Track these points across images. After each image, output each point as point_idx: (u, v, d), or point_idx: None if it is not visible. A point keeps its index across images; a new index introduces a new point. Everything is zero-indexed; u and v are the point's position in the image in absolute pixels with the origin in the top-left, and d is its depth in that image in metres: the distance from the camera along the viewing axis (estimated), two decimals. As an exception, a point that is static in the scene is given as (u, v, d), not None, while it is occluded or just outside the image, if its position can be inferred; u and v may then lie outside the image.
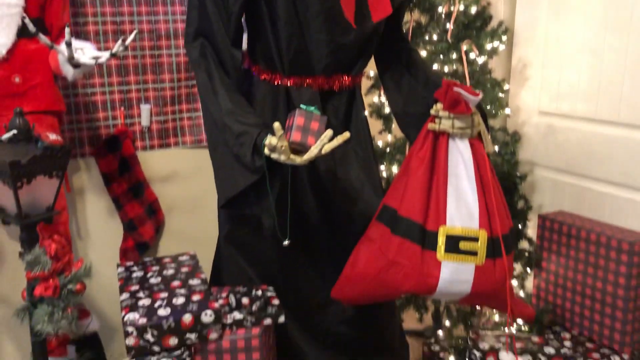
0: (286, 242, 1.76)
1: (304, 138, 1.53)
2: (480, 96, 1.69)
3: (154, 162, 2.33)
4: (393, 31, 1.93)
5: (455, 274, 1.68)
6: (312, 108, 1.59)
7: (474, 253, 1.68)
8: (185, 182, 2.41)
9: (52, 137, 1.45)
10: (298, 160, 1.54)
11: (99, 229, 2.29)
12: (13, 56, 1.76)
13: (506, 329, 2.26)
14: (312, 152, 1.52)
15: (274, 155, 1.54)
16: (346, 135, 1.56)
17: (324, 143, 1.52)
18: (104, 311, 2.28)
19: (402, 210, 1.72)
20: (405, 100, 1.87)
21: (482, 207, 1.70)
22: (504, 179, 2.26)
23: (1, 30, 1.71)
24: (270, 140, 1.52)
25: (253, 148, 1.59)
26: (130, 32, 2.21)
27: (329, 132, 1.52)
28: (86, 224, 2.28)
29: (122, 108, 2.25)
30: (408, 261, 1.70)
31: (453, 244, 1.68)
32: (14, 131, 1.44)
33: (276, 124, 1.49)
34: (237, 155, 1.64)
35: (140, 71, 2.26)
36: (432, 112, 1.72)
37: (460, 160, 1.71)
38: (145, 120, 2.28)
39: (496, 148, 2.26)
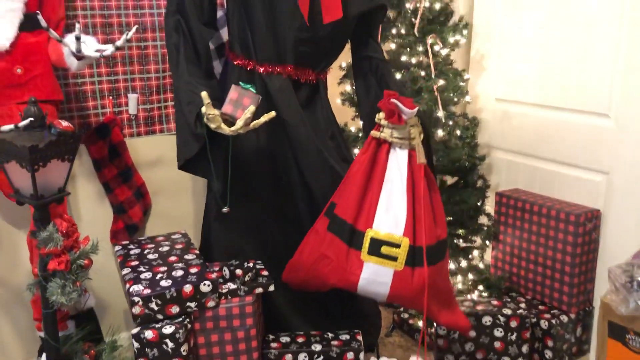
0: (225, 209, 1.97)
1: (234, 111, 1.75)
2: (416, 109, 1.80)
3: (141, 148, 2.46)
4: (363, 39, 2.13)
5: (374, 275, 1.81)
6: (248, 86, 1.79)
7: (394, 258, 1.79)
8: (170, 167, 2.52)
9: (64, 124, 1.58)
10: (227, 130, 1.73)
11: (89, 212, 2.41)
12: (15, 49, 1.86)
13: (469, 295, 2.50)
14: (238, 125, 1.73)
15: (209, 124, 1.73)
16: (271, 114, 1.79)
17: (247, 117, 1.71)
18: (97, 289, 2.40)
19: (338, 209, 1.87)
20: (372, 107, 2.04)
21: (409, 216, 1.80)
22: (465, 160, 2.48)
23: (4, 24, 1.81)
24: (201, 108, 1.71)
25: (196, 116, 1.78)
26: (118, 25, 2.33)
27: (251, 108, 1.72)
28: (78, 207, 2.39)
29: (111, 97, 2.36)
30: (335, 257, 1.84)
31: (376, 247, 1.80)
32: (31, 119, 1.56)
33: (203, 93, 1.71)
34: (187, 122, 1.83)
35: (128, 62, 2.38)
36: (376, 120, 1.87)
37: (397, 169, 1.83)
38: (132, 109, 2.41)
39: (458, 132, 2.48)
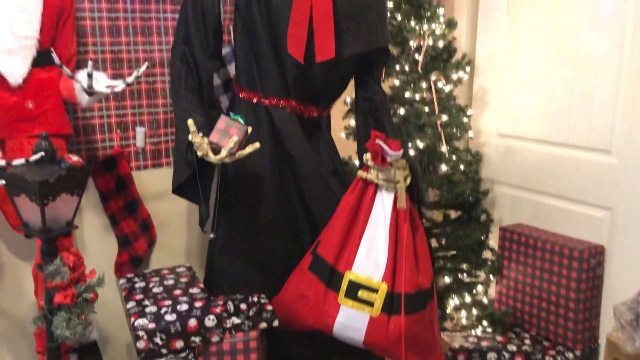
0: (211, 236, 2.03)
1: (220, 140, 1.79)
2: (401, 152, 1.78)
3: (147, 181, 2.48)
4: (364, 80, 2.17)
5: (349, 320, 1.75)
6: (237, 117, 1.82)
7: (370, 303, 1.73)
8: (176, 199, 2.54)
9: (74, 158, 1.60)
10: (213, 158, 1.76)
11: (94, 244, 2.42)
12: (27, 84, 1.90)
13: (474, 330, 2.49)
14: (222, 154, 1.75)
15: (197, 151, 1.78)
16: (256, 145, 1.81)
17: (230, 147, 1.74)
18: (100, 322, 2.40)
19: (321, 248, 1.85)
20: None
21: (390, 261, 1.75)
22: (468, 195, 2.50)
23: (18, 61, 1.86)
24: (189, 135, 1.75)
25: (188, 143, 1.81)
26: (128, 60, 2.38)
27: (234, 139, 1.75)
28: (83, 239, 2.40)
29: (119, 131, 2.40)
30: (314, 297, 1.80)
31: (353, 290, 1.75)
32: (42, 153, 1.59)
33: (189, 121, 1.75)
34: (180, 148, 1.91)
35: (136, 96, 2.42)
36: (364, 160, 1.87)
37: (382, 212, 1.80)
38: (140, 142, 2.44)
39: (462, 167, 2.50)
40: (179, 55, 2.03)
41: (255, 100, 2.07)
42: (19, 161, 1.60)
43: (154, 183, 2.51)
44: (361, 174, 1.84)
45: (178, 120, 1.97)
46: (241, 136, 1.79)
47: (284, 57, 1.99)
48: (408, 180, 1.83)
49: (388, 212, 1.79)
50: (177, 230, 2.59)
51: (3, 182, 1.61)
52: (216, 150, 1.79)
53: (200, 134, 1.77)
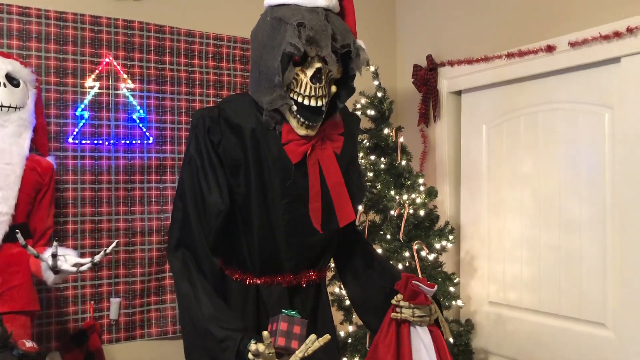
0: None
1: (287, 343, 1.62)
2: (436, 288, 1.81)
3: (119, 355, 2.36)
4: (350, 226, 2.13)
5: None
6: (293, 312, 1.67)
7: None
8: (149, 375, 2.42)
9: (28, 344, 1.52)
10: None
11: None
12: (-4, 259, 1.87)
13: None
14: (297, 356, 1.59)
15: None
16: (327, 337, 1.66)
17: (308, 347, 1.61)
18: None
19: None
20: (363, 290, 1.97)
21: None
22: (460, 369, 2.36)
23: (-11, 237, 1.84)
24: (258, 346, 1.59)
25: (237, 353, 1.66)
26: (107, 230, 2.37)
27: (312, 337, 1.61)
28: (43, 422, 2.23)
29: (92, 302, 2.32)
30: None
31: None
32: (-7, 340, 1.51)
33: (265, 333, 1.58)
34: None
35: (113, 266, 2.38)
36: (394, 302, 1.81)
37: (422, 346, 1.78)
38: (113, 314, 2.35)
39: (451, 340, 2.37)
40: (180, 261, 1.79)
41: (248, 282, 1.95)
42: (-31, 348, 1.51)
43: (126, 357, 2.38)
44: (394, 315, 1.80)
45: (213, 329, 1.69)
46: (304, 331, 1.68)
47: (283, 231, 1.91)
48: (439, 310, 1.84)
49: (428, 344, 1.78)
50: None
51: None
52: (280, 354, 1.65)
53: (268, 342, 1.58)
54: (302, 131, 1.68)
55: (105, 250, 1.74)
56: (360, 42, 1.78)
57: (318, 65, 1.62)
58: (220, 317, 1.72)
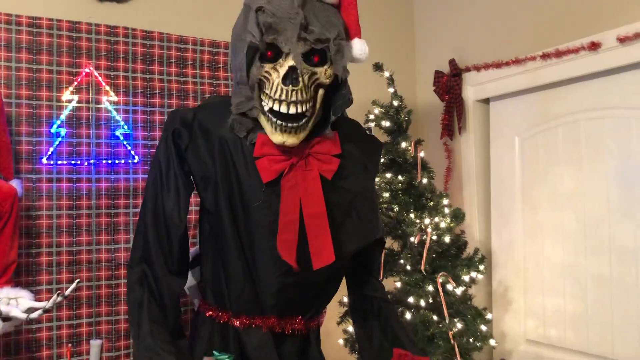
0: None
1: None
2: None
3: (99, 406, 2.06)
4: (362, 277, 1.82)
5: None
6: (225, 356, 1.54)
7: None
8: None
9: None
10: None
11: None
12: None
13: None
14: None
15: None
16: None
17: None
18: None
19: None
20: (376, 355, 1.72)
21: None
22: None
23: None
24: None
25: None
26: (87, 262, 2.10)
27: None
28: None
29: (70, 344, 2.05)
30: None
31: None
32: None
33: None
34: None
35: (94, 304, 2.10)
36: None
37: None
38: (94, 358, 2.06)
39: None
40: (137, 277, 1.63)
41: (223, 320, 1.68)
42: None
43: (108, 408, 2.09)
44: None
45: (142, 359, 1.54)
46: None
47: (262, 267, 1.63)
48: None
49: None
50: None
51: None
52: None
53: None
54: (277, 137, 1.39)
55: (63, 295, 1.45)
56: (357, 40, 1.47)
57: (291, 63, 1.32)
58: (155, 349, 1.50)
